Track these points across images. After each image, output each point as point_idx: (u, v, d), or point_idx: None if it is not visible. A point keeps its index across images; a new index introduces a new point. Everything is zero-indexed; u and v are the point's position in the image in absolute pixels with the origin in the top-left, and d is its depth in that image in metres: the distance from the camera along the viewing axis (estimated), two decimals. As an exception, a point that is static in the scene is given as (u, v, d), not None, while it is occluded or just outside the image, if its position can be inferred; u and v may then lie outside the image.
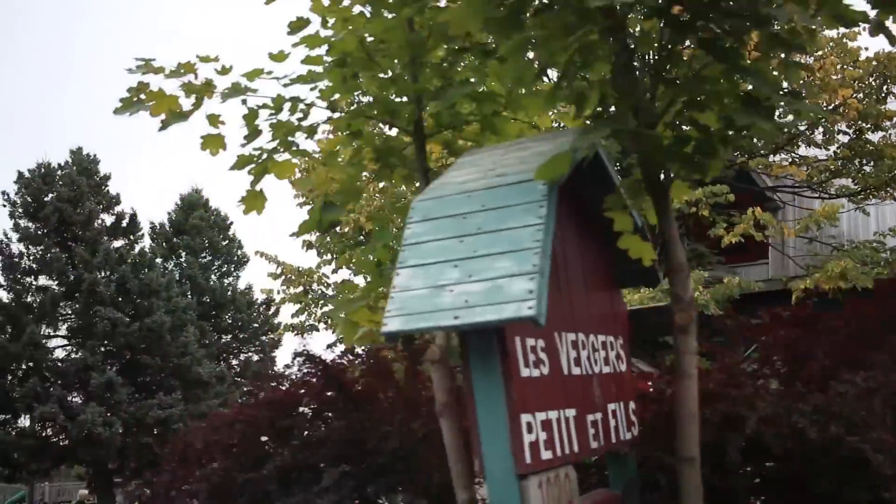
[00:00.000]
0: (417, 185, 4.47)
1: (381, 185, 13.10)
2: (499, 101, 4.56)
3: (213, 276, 37.31)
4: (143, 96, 4.36)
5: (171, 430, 28.01)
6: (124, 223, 31.60)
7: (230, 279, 37.88)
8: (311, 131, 4.56)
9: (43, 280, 30.55)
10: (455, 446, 3.94)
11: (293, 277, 15.29)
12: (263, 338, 37.54)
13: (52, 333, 29.80)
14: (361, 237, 14.65)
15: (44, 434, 26.83)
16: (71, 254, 30.19)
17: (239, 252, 38.14)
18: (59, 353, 30.11)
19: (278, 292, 15.88)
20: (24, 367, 28.06)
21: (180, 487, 6.64)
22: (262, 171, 4.57)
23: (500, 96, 4.55)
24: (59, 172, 30.29)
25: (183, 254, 36.95)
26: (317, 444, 6.17)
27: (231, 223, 37.95)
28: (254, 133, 4.50)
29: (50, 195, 29.75)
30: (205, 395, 30.55)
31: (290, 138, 4.53)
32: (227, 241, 37.97)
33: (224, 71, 4.41)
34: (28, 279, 30.22)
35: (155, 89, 4.39)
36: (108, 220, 31.56)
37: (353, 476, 5.84)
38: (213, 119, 4.56)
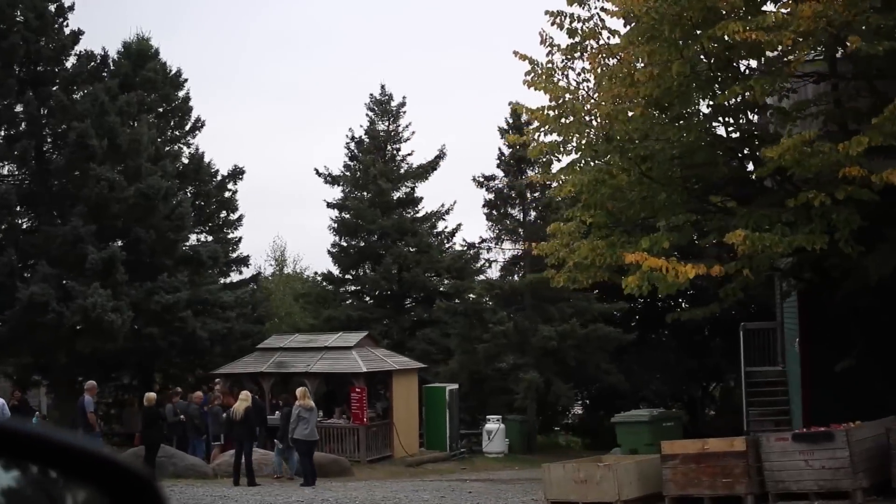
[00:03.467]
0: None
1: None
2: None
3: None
4: None
5: (178, 319, 23.56)
6: (92, 66, 25.60)
7: (181, 145, 32.44)
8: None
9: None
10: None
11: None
12: (223, 215, 32.67)
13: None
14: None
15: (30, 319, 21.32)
16: (26, 98, 24.10)
17: (190, 116, 32.59)
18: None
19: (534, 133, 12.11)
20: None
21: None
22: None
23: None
24: (19, -7, 23.76)
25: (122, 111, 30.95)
26: None
27: (185, 80, 32.19)
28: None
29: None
30: (198, 278, 25.92)
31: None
32: (178, 102, 32.28)
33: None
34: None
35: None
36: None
37: None
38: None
